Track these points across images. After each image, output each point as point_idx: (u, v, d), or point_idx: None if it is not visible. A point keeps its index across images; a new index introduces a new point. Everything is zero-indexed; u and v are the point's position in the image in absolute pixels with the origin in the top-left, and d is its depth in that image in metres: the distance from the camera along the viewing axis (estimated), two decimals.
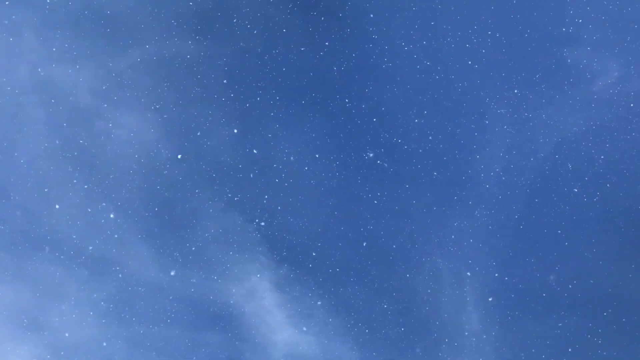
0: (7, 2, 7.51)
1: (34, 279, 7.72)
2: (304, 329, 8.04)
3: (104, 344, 7.86)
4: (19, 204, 7.69)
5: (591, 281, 7.80)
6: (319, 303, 8.02)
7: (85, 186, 7.78)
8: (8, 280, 7.69)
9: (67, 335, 7.79)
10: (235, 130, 7.89)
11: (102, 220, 7.81)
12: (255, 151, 7.93)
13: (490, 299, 7.95)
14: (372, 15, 7.89)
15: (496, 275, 7.95)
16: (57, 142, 7.71)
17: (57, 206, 7.73)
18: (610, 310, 7.75)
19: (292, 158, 7.95)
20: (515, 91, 7.84)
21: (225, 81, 7.89)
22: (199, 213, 7.92)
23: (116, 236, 7.85)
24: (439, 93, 7.93)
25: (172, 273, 7.83)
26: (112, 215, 7.83)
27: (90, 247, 7.80)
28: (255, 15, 7.88)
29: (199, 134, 7.90)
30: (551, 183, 7.86)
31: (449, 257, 7.99)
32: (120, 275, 7.88)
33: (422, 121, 7.98)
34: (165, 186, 7.88)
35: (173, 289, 7.94)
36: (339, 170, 8.01)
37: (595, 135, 7.81)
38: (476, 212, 7.94)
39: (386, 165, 8.00)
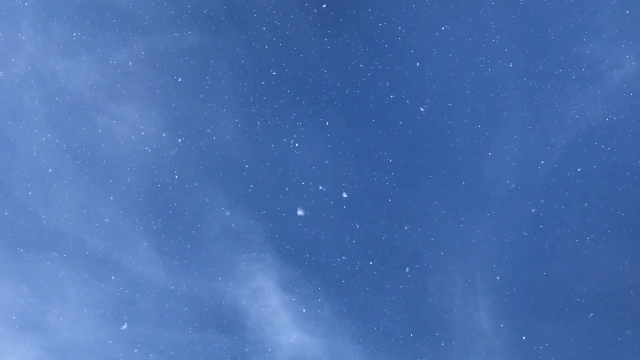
0: None
1: (34, 279, 7.63)
2: (310, 330, 7.94)
3: (104, 344, 7.78)
4: (19, 201, 7.58)
5: (606, 282, 7.71)
6: (326, 304, 7.94)
7: (86, 183, 7.66)
8: (8, 280, 7.59)
9: (67, 335, 7.71)
10: (242, 131, 7.78)
11: (104, 219, 7.69)
12: (262, 148, 7.80)
13: (502, 301, 7.85)
14: (385, 12, 7.73)
15: (507, 276, 7.86)
16: (57, 137, 7.58)
17: (58, 203, 7.61)
18: (625, 311, 7.67)
19: (300, 155, 7.81)
20: (530, 83, 7.72)
21: (232, 75, 7.74)
22: (203, 211, 7.80)
23: (118, 235, 7.73)
24: (452, 91, 7.79)
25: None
26: (114, 214, 7.69)
27: (91, 246, 7.68)
28: (264, 9, 7.72)
29: (204, 129, 7.74)
30: (566, 181, 7.73)
31: (460, 257, 7.90)
32: (121, 275, 7.78)
33: (435, 120, 7.84)
34: (169, 183, 7.75)
35: (176, 289, 7.84)
36: (348, 170, 7.87)
37: (611, 129, 7.67)
38: (488, 212, 7.84)
39: (395, 164, 7.86)
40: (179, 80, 7.68)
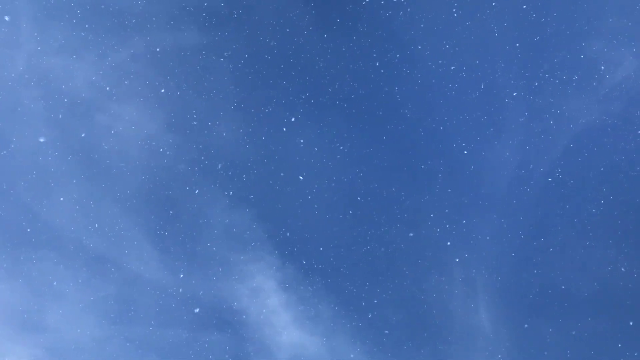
0: None
1: (33, 279, 7.60)
2: (310, 330, 7.91)
3: (104, 343, 7.75)
4: (18, 201, 7.55)
5: (606, 282, 7.67)
6: (326, 303, 7.90)
7: (86, 182, 7.63)
8: (7, 280, 7.56)
9: (66, 335, 7.67)
10: (241, 130, 7.76)
11: (103, 218, 7.66)
12: (262, 148, 7.78)
13: (502, 302, 7.82)
14: (387, 12, 7.72)
15: (508, 277, 7.83)
16: (57, 137, 7.56)
17: (57, 203, 7.58)
18: (626, 312, 7.63)
19: (300, 155, 7.80)
20: (529, 84, 7.70)
21: (232, 74, 7.73)
22: (203, 210, 7.77)
23: (117, 234, 7.69)
24: (452, 91, 7.77)
25: (181, 276, 7.71)
26: (113, 213, 7.67)
27: (91, 246, 7.66)
28: (265, 8, 7.71)
29: (204, 129, 7.72)
30: (567, 182, 7.71)
31: (461, 258, 7.86)
32: (121, 275, 7.75)
33: (434, 121, 7.82)
34: (169, 183, 7.74)
35: (176, 289, 7.80)
36: (348, 170, 7.85)
37: (611, 130, 7.66)
38: (489, 213, 7.82)
39: (395, 165, 7.85)
40: (179, 79, 7.68)
